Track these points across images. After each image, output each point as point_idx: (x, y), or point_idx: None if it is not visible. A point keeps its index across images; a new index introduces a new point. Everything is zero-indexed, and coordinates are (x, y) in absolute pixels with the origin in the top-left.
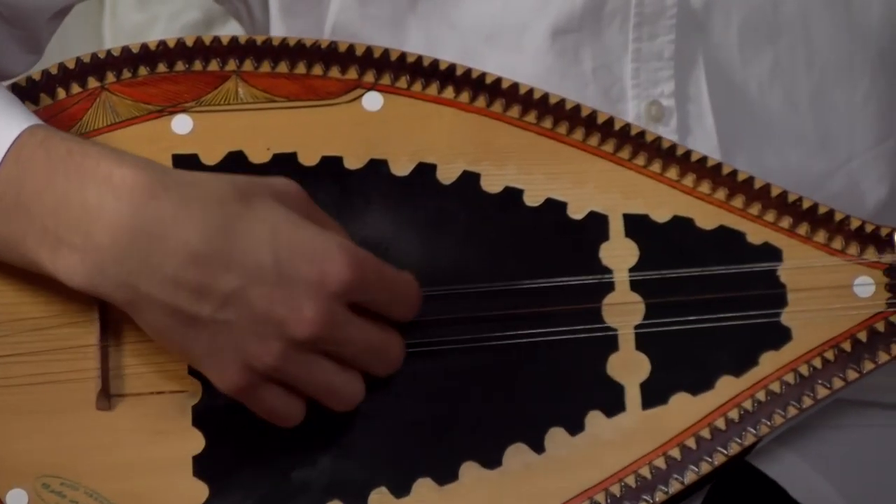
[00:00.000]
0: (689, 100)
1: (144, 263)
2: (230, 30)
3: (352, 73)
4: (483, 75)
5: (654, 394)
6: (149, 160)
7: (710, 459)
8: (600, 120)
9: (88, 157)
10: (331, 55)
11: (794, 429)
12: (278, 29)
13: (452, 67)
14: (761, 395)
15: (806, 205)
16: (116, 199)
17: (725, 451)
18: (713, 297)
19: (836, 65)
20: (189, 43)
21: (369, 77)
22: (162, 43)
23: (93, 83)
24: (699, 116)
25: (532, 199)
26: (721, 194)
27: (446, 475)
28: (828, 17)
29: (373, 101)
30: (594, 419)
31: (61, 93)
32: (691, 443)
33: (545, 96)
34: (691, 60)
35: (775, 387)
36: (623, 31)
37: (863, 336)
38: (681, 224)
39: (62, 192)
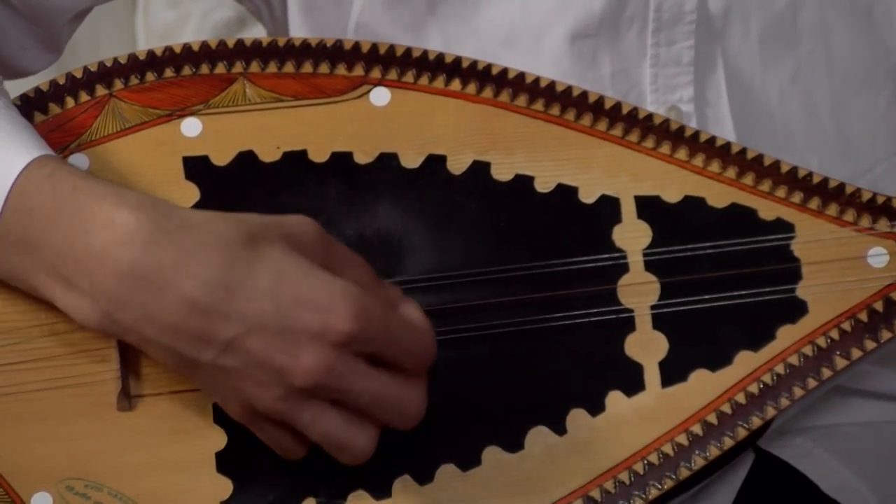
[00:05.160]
0: (707, 105)
1: (146, 311)
2: (261, 29)
3: (358, 70)
4: (489, 66)
5: (672, 372)
6: (155, 200)
7: (732, 434)
8: (608, 105)
9: (93, 198)
10: (336, 53)
11: (824, 426)
12: (298, 29)
13: (458, 60)
14: (780, 369)
15: (816, 179)
16: (118, 244)
17: (747, 426)
18: (728, 273)
19: (858, 73)
20: (195, 47)
21: (376, 73)
22: (168, 49)
23: (101, 91)
24: (718, 121)
25: (542, 185)
26: (731, 172)
27: (469, 460)
28: (849, 26)
29: (380, 96)
30: (614, 399)
31: (70, 102)
32: (712, 419)
33: (552, 84)
34: (710, 66)
35: (793, 360)
36: (641, 36)
37: (879, 306)
38: (692, 203)
39: (67, 235)
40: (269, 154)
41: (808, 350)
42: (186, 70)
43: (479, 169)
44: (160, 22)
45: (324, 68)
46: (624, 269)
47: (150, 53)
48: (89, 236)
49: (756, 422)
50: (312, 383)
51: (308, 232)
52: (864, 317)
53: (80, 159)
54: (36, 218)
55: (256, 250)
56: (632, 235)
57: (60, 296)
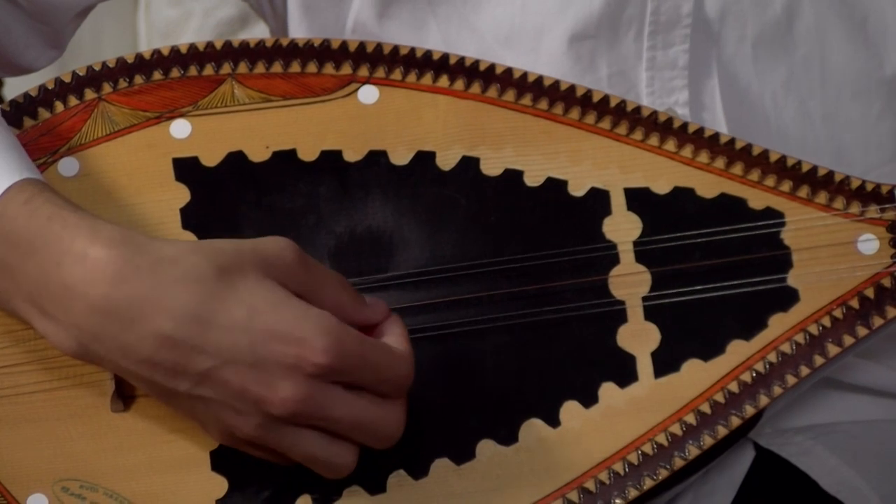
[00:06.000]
0: (703, 108)
1: (118, 344)
2: (264, 26)
3: (346, 69)
4: (476, 62)
5: (665, 362)
6: (130, 235)
7: (725, 423)
8: (595, 98)
9: (66, 229)
10: (324, 53)
11: (823, 425)
12: (297, 27)
13: (446, 57)
14: (772, 357)
15: (805, 168)
16: (89, 280)
17: (741, 414)
18: (718, 262)
19: (852, 82)
20: (183, 50)
21: (363, 71)
22: (156, 51)
23: (90, 95)
24: (713, 125)
25: (532, 179)
26: (720, 163)
27: (463, 454)
28: (843, 35)
29: (368, 94)
30: (607, 391)
31: (59, 106)
32: (706, 408)
33: (539, 79)
34: (706, 70)
35: (786, 348)
36: (638, 39)
37: (870, 293)
38: (682, 194)
39: (42, 265)
40: (258, 154)
41: (799, 338)
42: (175, 72)
43: (469, 164)
44: (162, 20)
45: (312, 67)
46: (615, 260)
47: (139, 56)
48: (62, 269)
49: (749, 410)
50: (289, 412)
51: (284, 256)
52: (855, 304)
53: (70, 163)
54: (13, 244)
55: (230, 282)
56: (622, 227)
57: (38, 322)
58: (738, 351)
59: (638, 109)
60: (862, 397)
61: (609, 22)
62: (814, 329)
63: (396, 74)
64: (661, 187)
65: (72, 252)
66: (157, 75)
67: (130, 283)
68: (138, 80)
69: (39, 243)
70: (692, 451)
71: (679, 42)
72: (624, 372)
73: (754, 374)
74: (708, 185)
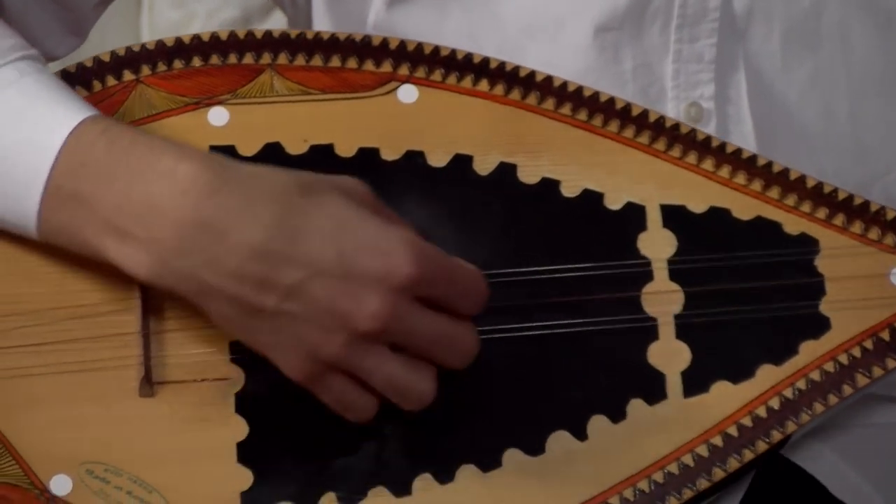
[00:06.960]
0: (728, 103)
1: (207, 258)
2: (267, 27)
3: (386, 67)
4: (517, 68)
5: (695, 382)
6: (212, 154)
7: (752, 447)
8: (634, 112)
9: (153, 150)
10: (365, 49)
11: (833, 426)
12: (321, 16)
13: (486, 61)
14: (801, 384)
15: (841, 196)
16: (179, 194)
17: (767, 440)
18: (751, 286)
19: (877, 77)
20: (223, 37)
21: (404, 70)
22: (196, 37)
23: (128, 76)
24: (738, 120)
25: (569, 189)
26: (757, 185)
27: (489, 462)
28: (870, 31)
29: (408, 93)
30: (636, 407)
31: (97, 85)
32: (733, 431)
33: (579, 89)
34: (732, 64)
35: (815, 375)
36: (665, 32)
37: None
38: (718, 215)
39: (125, 185)
40: (295, 146)
41: (829, 366)
42: (214, 59)
43: (506, 170)
44: (165, 21)
45: (352, 63)
46: (648, 277)
47: (178, 41)
48: (150, 186)
49: (776, 436)
50: (376, 328)
51: (360, 189)
52: (885, 336)
53: None
54: (89, 172)
55: (314, 197)
56: (657, 243)
57: (113, 248)
58: (767, 375)
59: (677, 126)
60: (872, 402)
61: (634, 14)
62: (844, 358)
63: (436, 75)
64: (698, 206)
65: (158, 169)
66: (197, 61)
67: (221, 196)
68: (177, 64)
69: (122, 166)
70: (717, 474)
71: (706, 36)
72: (653, 389)
73: (783, 400)
74: (744, 207)
